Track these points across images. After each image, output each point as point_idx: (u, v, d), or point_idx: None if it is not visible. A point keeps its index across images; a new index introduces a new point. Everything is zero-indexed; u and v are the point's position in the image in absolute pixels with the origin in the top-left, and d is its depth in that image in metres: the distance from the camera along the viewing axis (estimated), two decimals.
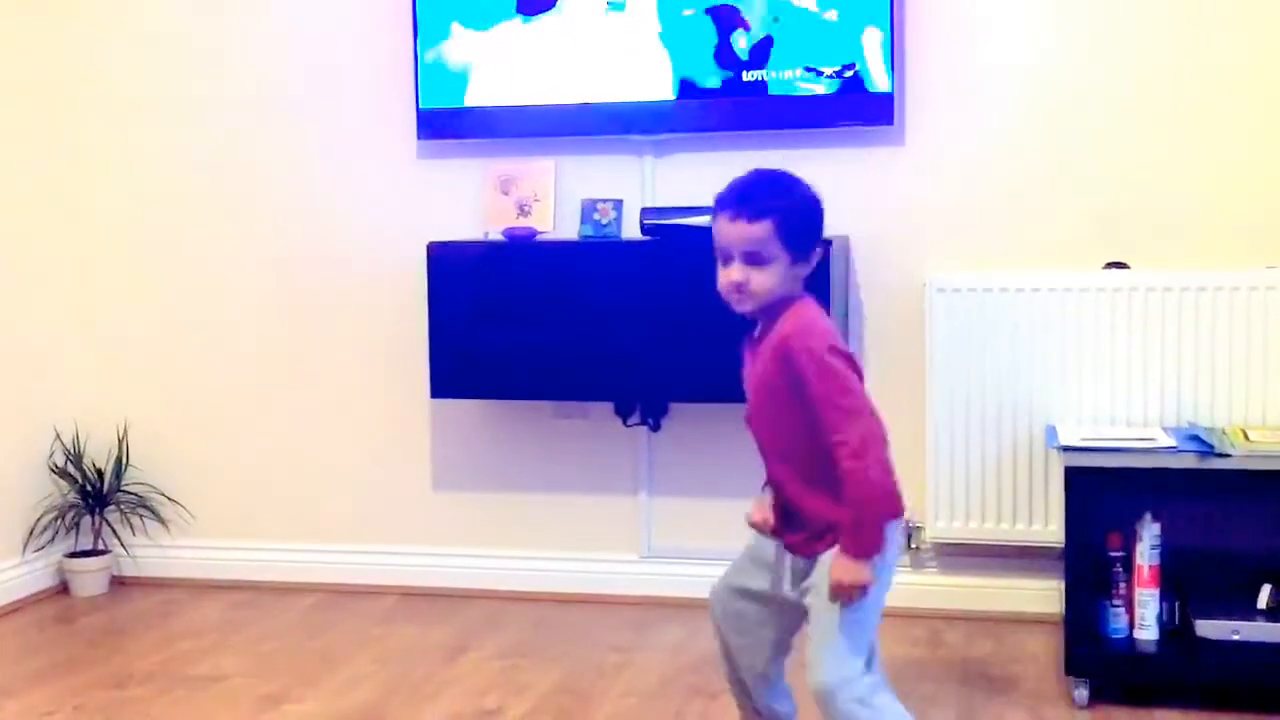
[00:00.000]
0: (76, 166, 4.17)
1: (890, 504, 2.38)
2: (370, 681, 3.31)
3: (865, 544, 2.36)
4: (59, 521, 4.10)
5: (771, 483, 2.51)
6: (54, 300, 4.16)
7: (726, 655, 2.62)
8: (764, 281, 2.37)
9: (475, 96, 3.81)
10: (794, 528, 2.47)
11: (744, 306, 2.42)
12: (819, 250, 2.44)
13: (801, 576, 2.47)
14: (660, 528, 3.88)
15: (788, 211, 2.38)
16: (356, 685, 3.28)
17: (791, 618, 2.55)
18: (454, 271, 3.72)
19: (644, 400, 3.78)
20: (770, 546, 2.54)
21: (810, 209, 2.43)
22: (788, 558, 2.49)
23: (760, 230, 2.35)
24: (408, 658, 3.47)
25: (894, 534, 2.42)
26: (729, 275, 2.39)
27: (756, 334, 2.48)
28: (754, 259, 2.37)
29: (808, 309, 2.42)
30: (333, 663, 3.44)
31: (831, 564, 2.37)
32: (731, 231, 2.38)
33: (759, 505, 2.56)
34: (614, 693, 3.21)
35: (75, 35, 4.13)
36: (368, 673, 3.37)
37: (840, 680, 2.37)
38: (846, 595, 2.37)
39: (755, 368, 2.46)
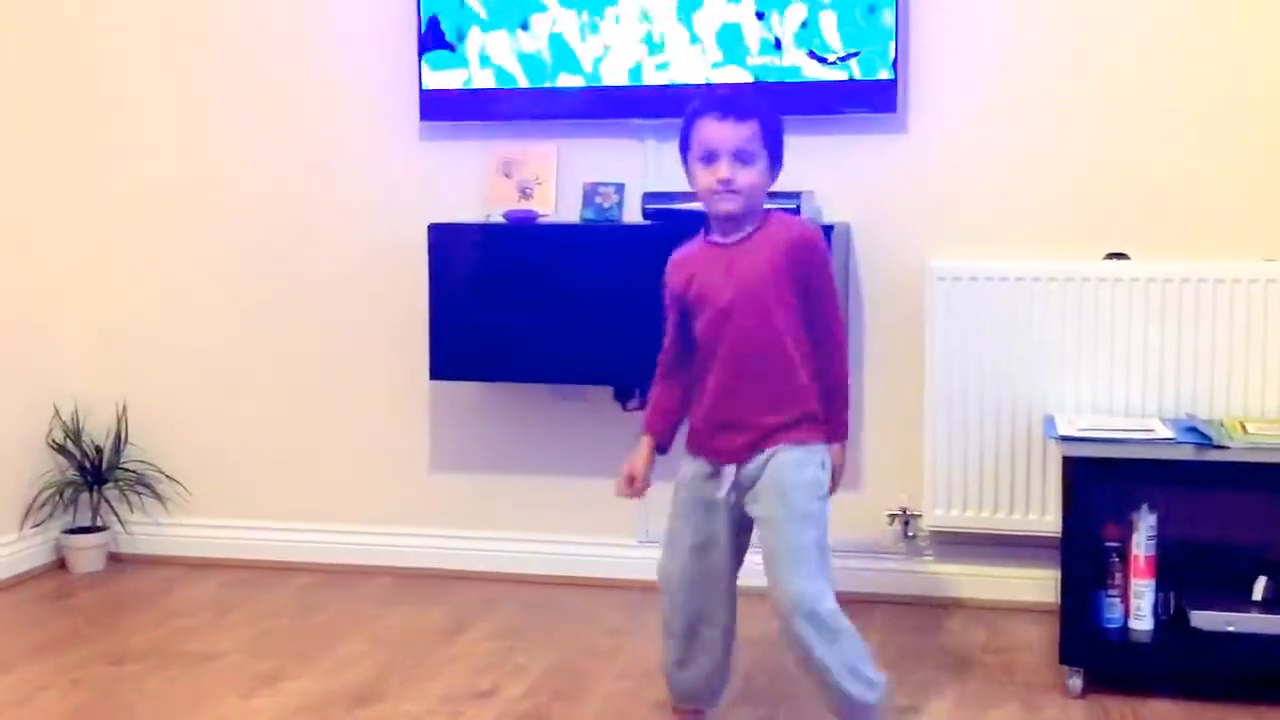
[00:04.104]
0: (77, 144, 4.16)
1: None
2: (366, 661, 3.31)
3: (848, 427, 2.66)
4: (57, 498, 4.10)
5: (723, 387, 2.60)
6: (54, 277, 4.16)
7: (689, 631, 2.72)
8: (750, 178, 2.55)
9: (478, 79, 3.81)
10: (738, 432, 2.59)
11: (729, 205, 2.57)
12: (781, 167, 2.63)
13: (746, 486, 2.61)
14: (658, 512, 3.84)
15: (770, 114, 2.58)
16: (352, 665, 3.29)
17: (742, 537, 2.71)
18: (455, 253, 3.73)
19: (643, 384, 3.75)
20: (700, 485, 2.68)
21: (779, 119, 2.62)
22: (729, 470, 2.61)
23: (748, 129, 2.54)
24: (403, 638, 3.47)
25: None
26: (716, 172, 2.54)
27: (728, 240, 2.61)
28: (742, 157, 2.54)
29: (793, 216, 2.70)
30: (328, 642, 3.45)
31: (831, 453, 2.61)
32: (720, 130, 2.54)
33: (635, 467, 2.77)
34: (609, 675, 3.21)
35: (77, 10, 4.12)
36: (363, 652, 3.37)
37: (817, 591, 2.52)
38: (837, 481, 2.63)
39: (742, 267, 2.57)
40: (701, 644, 2.73)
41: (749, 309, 2.56)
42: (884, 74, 3.56)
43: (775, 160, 2.60)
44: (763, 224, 2.60)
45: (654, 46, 3.68)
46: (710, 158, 2.55)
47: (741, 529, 2.70)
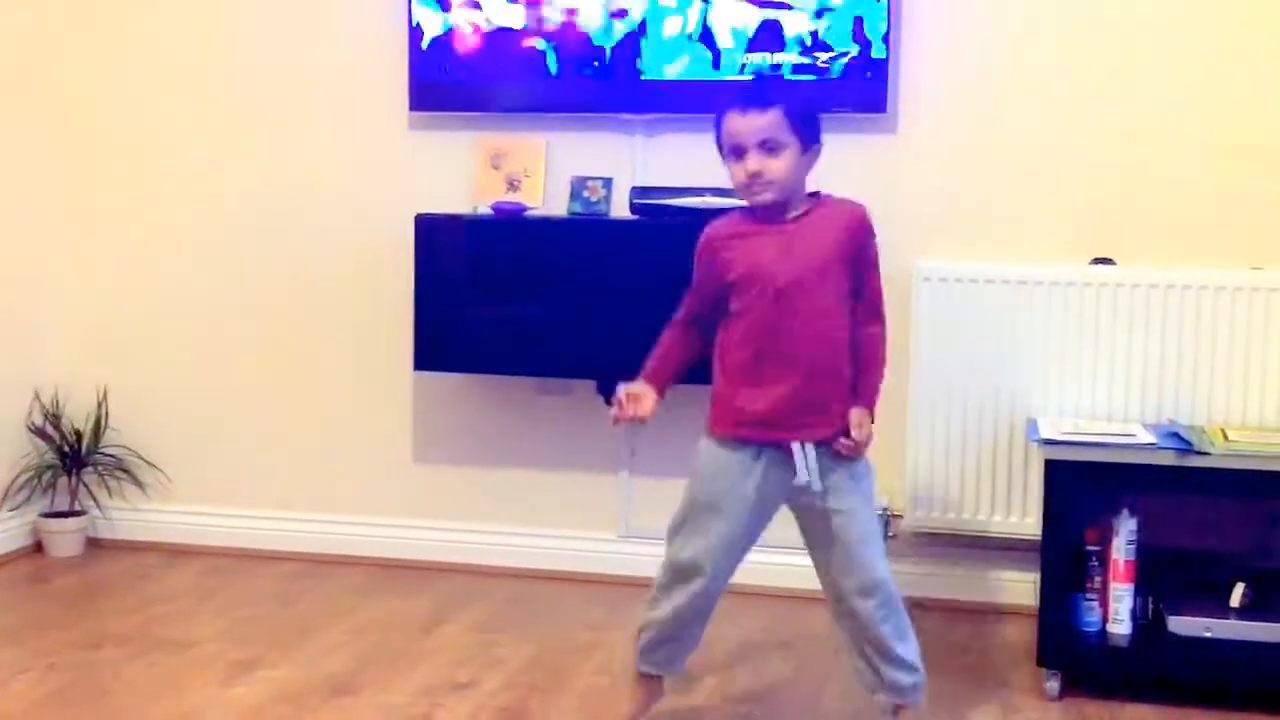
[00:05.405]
0: (60, 132, 4.14)
1: None
2: (344, 651, 3.30)
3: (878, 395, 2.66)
4: (35, 481, 4.08)
5: (789, 368, 2.56)
6: (38, 261, 4.14)
7: (693, 619, 2.71)
8: (779, 167, 2.54)
9: (469, 70, 3.80)
10: (816, 414, 2.58)
11: (764, 195, 2.57)
12: (820, 145, 2.60)
13: (823, 470, 2.59)
14: (639, 508, 3.88)
15: (792, 99, 2.57)
16: (330, 654, 3.28)
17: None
18: (441, 244, 3.72)
19: (627, 379, 3.76)
20: (747, 473, 2.60)
21: (809, 96, 2.62)
22: (809, 452, 2.57)
23: (770, 118, 2.53)
24: (383, 629, 3.47)
25: None
26: (745, 167, 2.54)
27: (784, 218, 2.59)
28: (768, 147, 2.53)
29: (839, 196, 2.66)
30: (307, 631, 3.44)
31: (858, 419, 2.58)
32: (742, 123, 2.54)
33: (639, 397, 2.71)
34: (587, 670, 3.21)
35: (62, 2, 4.12)
36: (342, 642, 3.37)
37: (890, 574, 2.62)
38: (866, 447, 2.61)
39: (804, 245, 2.57)
40: (701, 625, 2.74)
41: (813, 287, 2.56)
42: (875, 74, 3.56)
43: (809, 142, 2.57)
44: (820, 203, 2.63)
45: (649, 43, 3.68)
46: (738, 152, 2.55)
47: (769, 518, 2.68)
